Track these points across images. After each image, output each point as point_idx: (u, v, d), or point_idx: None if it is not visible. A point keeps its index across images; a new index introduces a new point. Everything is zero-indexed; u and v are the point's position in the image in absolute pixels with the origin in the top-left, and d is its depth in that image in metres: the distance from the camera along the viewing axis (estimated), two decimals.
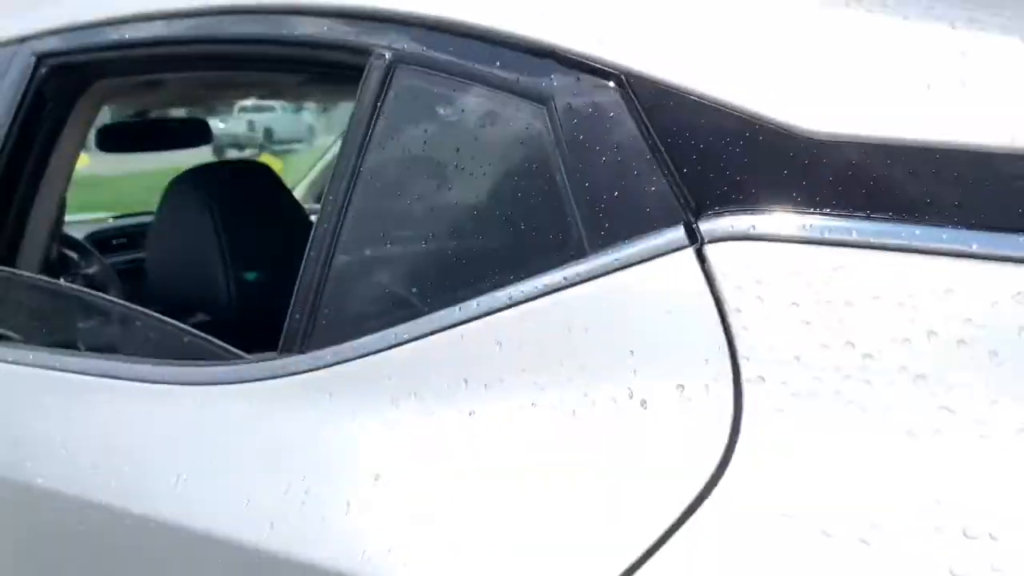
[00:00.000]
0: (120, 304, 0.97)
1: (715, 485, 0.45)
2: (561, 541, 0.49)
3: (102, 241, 2.16)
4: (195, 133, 2.09)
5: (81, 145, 1.25)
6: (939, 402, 0.43)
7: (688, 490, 0.45)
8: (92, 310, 0.98)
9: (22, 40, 1.12)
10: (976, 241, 0.44)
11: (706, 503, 0.45)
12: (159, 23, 0.94)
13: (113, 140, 1.90)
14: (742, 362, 0.47)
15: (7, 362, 0.92)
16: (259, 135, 17.56)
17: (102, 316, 0.95)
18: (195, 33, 0.88)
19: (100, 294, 1.10)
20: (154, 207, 1.34)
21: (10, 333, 0.97)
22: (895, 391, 0.44)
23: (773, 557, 0.43)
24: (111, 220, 2.52)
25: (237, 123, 19.49)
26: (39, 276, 1.06)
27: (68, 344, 0.92)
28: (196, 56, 0.97)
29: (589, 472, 0.50)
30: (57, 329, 0.97)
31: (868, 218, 0.47)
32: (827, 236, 0.47)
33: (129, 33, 1.00)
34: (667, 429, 0.48)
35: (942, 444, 0.42)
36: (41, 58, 1.08)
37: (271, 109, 16.41)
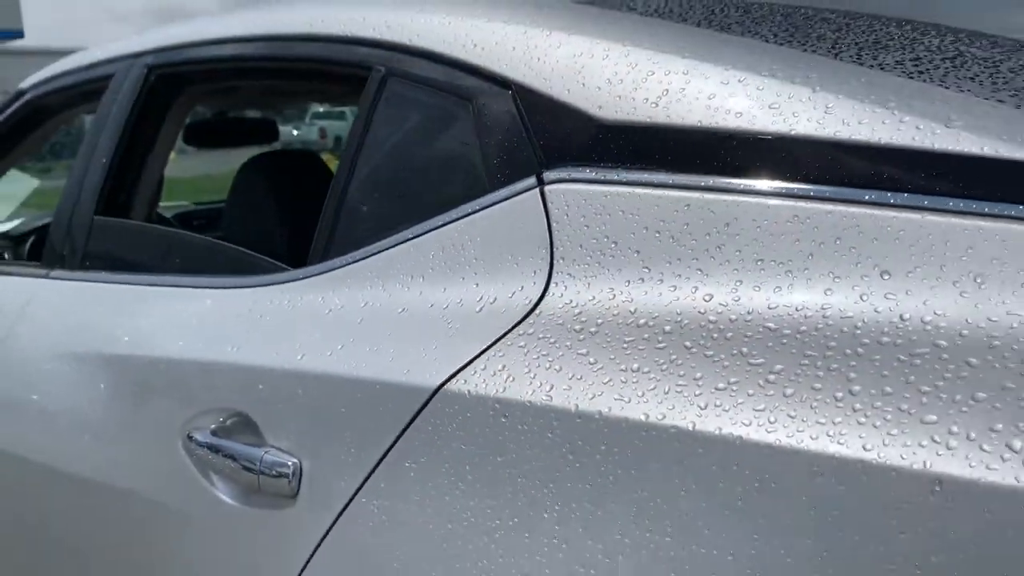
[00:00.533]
0: (208, 239, 1.35)
1: (535, 310, 0.79)
2: (424, 343, 0.84)
3: (184, 221, 2.60)
4: (265, 132, 2.50)
5: (177, 134, 1.66)
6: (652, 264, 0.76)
7: (519, 311, 0.80)
8: (187, 244, 1.37)
9: (137, 55, 1.53)
10: (704, 181, 0.77)
11: (530, 318, 0.79)
12: (230, 45, 1.33)
13: (197, 136, 2.30)
14: (556, 248, 0.81)
15: (123, 283, 1.31)
16: (329, 141, 18.33)
17: (193, 248, 1.34)
18: (252, 52, 1.27)
19: (194, 233, 1.50)
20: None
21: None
22: (639, 267, 0.77)
23: (571, 350, 0.77)
24: (192, 205, 2.96)
25: (310, 130, 20.34)
26: (149, 224, 1.46)
27: (165, 267, 1.31)
28: (254, 69, 1.36)
29: (459, 304, 0.85)
30: (159, 257, 1.36)
31: (634, 169, 0.80)
32: (611, 179, 0.81)
33: (210, 52, 1.39)
34: (509, 283, 0.83)
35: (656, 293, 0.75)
36: (150, 68, 1.48)
37: (342, 117, 17.14)
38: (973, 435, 0.57)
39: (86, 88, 1.70)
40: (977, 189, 0.65)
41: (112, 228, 1.43)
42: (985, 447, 0.57)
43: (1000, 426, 0.57)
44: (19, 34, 33.99)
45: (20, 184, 2.49)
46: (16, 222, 2.60)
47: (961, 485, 0.56)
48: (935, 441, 0.58)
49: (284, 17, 1.27)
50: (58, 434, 1.27)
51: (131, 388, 1.16)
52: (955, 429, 0.58)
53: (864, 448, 0.60)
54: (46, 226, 2.41)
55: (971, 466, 0.56)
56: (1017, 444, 0.56)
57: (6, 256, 2.17)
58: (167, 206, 2.71)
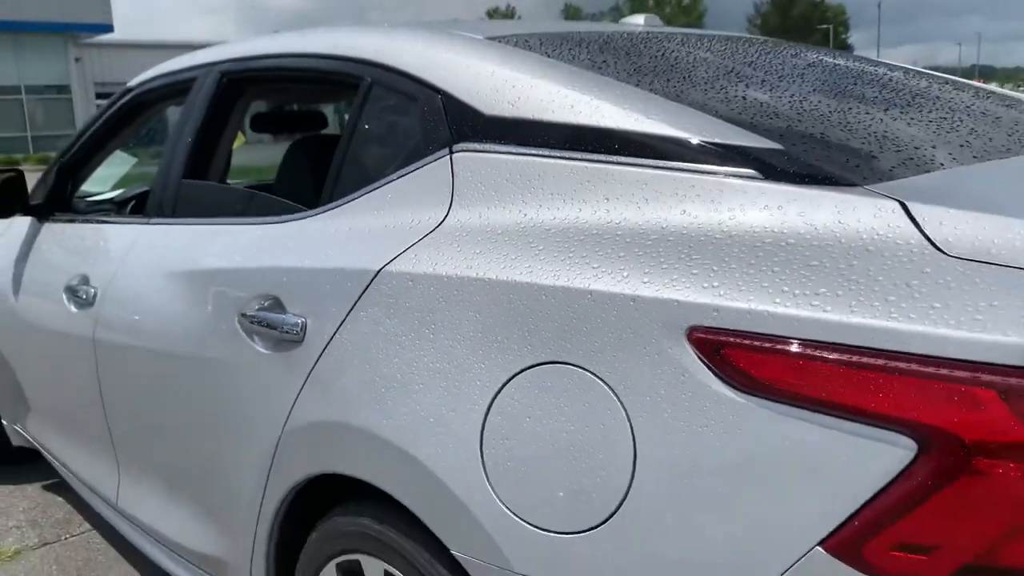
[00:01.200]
0: (258, 193, 1.93)
1: (440, 225, 1.34)
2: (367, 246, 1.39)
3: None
4: (316, 121, 3.08)
5: (241, 122, 2.25)
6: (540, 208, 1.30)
7: (432, 224, 1.34)
8: (244, 197, 1.95)
9: (214, 64, 2.12)
10: (539, 151, 1.30)
11: (437, 229, 1.33)
12: (278, 59, 1.91)
13: (260, 124, 2.89)
14: (455, 190, 1.35)
15: (202, 224, 1.90)
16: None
17: (248, 199, 1.92)
18: (293, 64, 1.85)
19: (247, 189, 2.09)
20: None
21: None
22: (501, 199, 1.31)
23: (459, 246, 1.30)
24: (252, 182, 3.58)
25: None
26: (221, 184, 2.05)
27: (230, 212, 1.89)
28: (294, 76, 1.93)
29: (400, 223, 1.40)
30: (226, 206, 1.94)
31: (503, 143, 1.34)
32: (489, 149, 1.35)
33: (265, 63, 1.98)
34: (428, 211, 1.37)
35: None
36: (223, 74, 2.07)
37: None
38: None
39: (176, 87, 2.31)
40: (661, 154, 1.17)
41: (195, 187, 2.03)
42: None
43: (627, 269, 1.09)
44: (109, 28, 35.82)
45: (123, 161, 3.13)
46: (118, 192, 3.25)
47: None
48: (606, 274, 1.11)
49: (313, 41, 1.85)
50: (158, 323, 1.87)
51: (205, 289, 1.75)
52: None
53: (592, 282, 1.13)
54: (140, 193, 3.06)
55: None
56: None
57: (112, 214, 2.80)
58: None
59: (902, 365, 0.83)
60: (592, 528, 1.01)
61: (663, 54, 1.58)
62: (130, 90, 2.52)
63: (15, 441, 3.09)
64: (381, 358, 1.30)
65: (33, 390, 2.75)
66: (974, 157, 1.24)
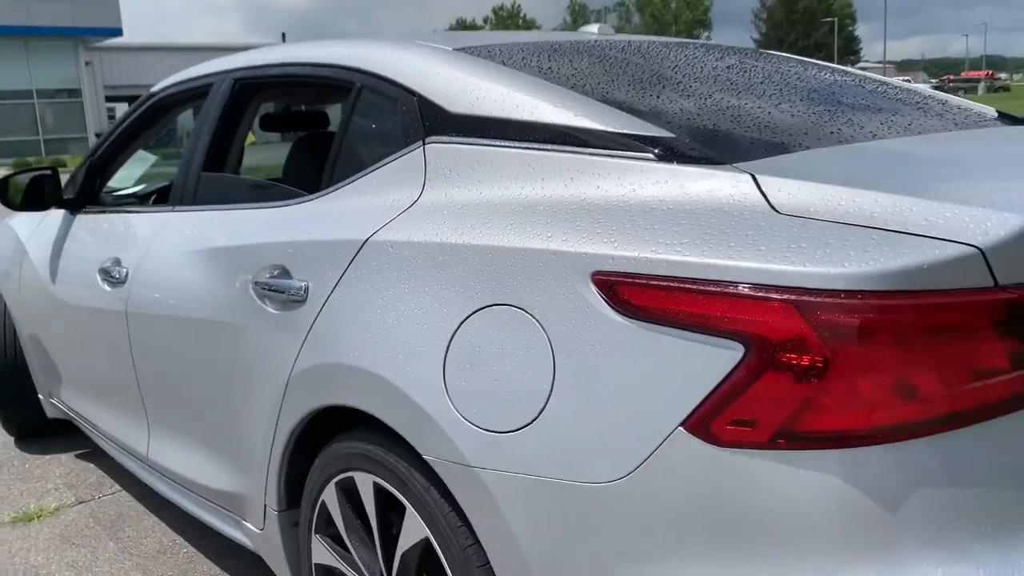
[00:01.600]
0: (268, 182, 2.25)
1: (415, 203, 1.65)
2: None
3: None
4: (318, 120, 3.40)
5: (252, 122, 2.57)
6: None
7: (408, 203, 1.66)
8: (255, 185, 2.27)
9: (228, 72, 2.44)
10: (491, 142, 1.61)
11: (412, 206, 1.65)
12: (284, 67, 2.23)
13: (268, 124, 3.21)
14: (427, 174, 1.67)
15: (220, 209, 2.22)
16: None
17: (259, 188, 2.23)
18: (296, 72, 2.18)
19: (258, 179, 2.42)
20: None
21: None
22: (461, 181, 1.62)
23: (430, 219, 1.62)
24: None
25: None
26: (235, 175, 2.38)
27: (244, 199, 2.21)
28: (297, 81, 2.25)
29: (381, 203, 1.71)
30: (241, 194, 2.26)
31: (465, 136, 1.65)
32: (455, 141, 1.66)
33: (272, 70, 2.29)
34: (405, 192, 1.69)
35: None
36: (236, 80, 2.39)
37: None
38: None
39: (195, 92, 2.63)
40: (587, 143, 1.48)
41: (213, 179, 2.35)
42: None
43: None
44: (118, 32, 36.30)
45: (145, 160, 3.46)
46: (141, 187, 3.58)
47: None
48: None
49: (313, 52, 2.17)
50: (183, 294, 2.19)
51: (224, 263, 2.07)
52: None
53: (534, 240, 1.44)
54: (162, 187, 3.38)
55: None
56: None
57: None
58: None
59: (732, 290, 1.14)
60: (525, 426, 1.32)
61: (601, 60, 1.89)
62: (153, 95, 2.85)
63: (50, 413, 3.43)
64: (367, 309, 1.62)
65: (67, 364, 3.08)
66: (839, 141, 1.55)
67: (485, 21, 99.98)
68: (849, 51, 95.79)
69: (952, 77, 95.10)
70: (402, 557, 1.61)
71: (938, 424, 1.08)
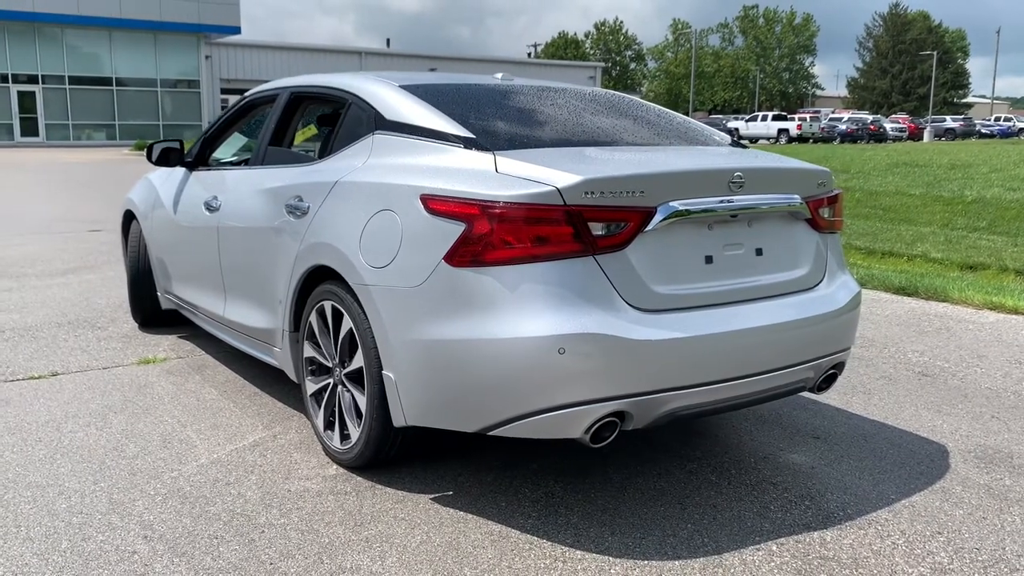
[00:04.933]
0: (298, 152, 3.87)
1: (364, 163, 3.22)
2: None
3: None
4: (332, 119, 5.02)
5: (300, 119, 4.20)
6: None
7: (360, 163, 3.24)
8: (292, 154, 3.89)
9: (286, 87, 4.10)
10: (407, 135, 3.17)
11: (362, 165, 3.22)
12: (315, 87, 3.87)
13: (320, 121, 4.82)
14: (372, 149, 3.24)
15: (276, 167, 3.85)
16: None
17: (293, 155, 3.85)
18: (319, 90, 3.81)
19: (293, 150, 4.05)
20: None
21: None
22: (387, 155, 3.18)
23: (372, 171, 3.18)
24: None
25: None
26: (283, 148, 4.02)
27: (289, 161, 3.82)
28: (320, 96, 3.88)
29: (349, 166, 3.29)
30: (287, 159, 3.88)
31: (394, 132, 3.21)
32: (390, 134, 3.23)
33: (308, 89, 3.93)
34: (359, 159, 3.26)
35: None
36: (291, 92, 4.04)
37: None
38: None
39: (269, 97, 4.28)
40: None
41: (273, 150, 3.99)
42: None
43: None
44: (236, 30, 39.39)
45: (239, 139, 5.15)
46: (234, 157, 5.27)
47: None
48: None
49: (326, 79, 3.78)
50: (249, 213, 3.83)
51: (272, 194, 3.69)
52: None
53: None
54: (245, 159, 5.07)
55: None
56: None
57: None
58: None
59: (463, 200, 2.67)
60: (388, 264, 2.87)
61: (474, 94, 3.43)
62: (246, 97, 4.53)
63: (164, 305, 5.15)
64: (333, 215, 3.20)
65: (178, 266, 4.77)
66: (570, 144, 3.06)
67: (586, 36, 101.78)
68: (957, 85, 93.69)
69: None
70: (340, 341, 3.18)
71: (527, 260, 2.59)
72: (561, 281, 2.59)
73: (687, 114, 52.72)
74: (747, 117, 54.52)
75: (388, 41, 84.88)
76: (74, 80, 36.90)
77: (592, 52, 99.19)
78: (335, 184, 3.26)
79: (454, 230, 2.68)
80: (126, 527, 2.76)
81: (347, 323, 3.10)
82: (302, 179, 3.52)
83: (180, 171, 4.85)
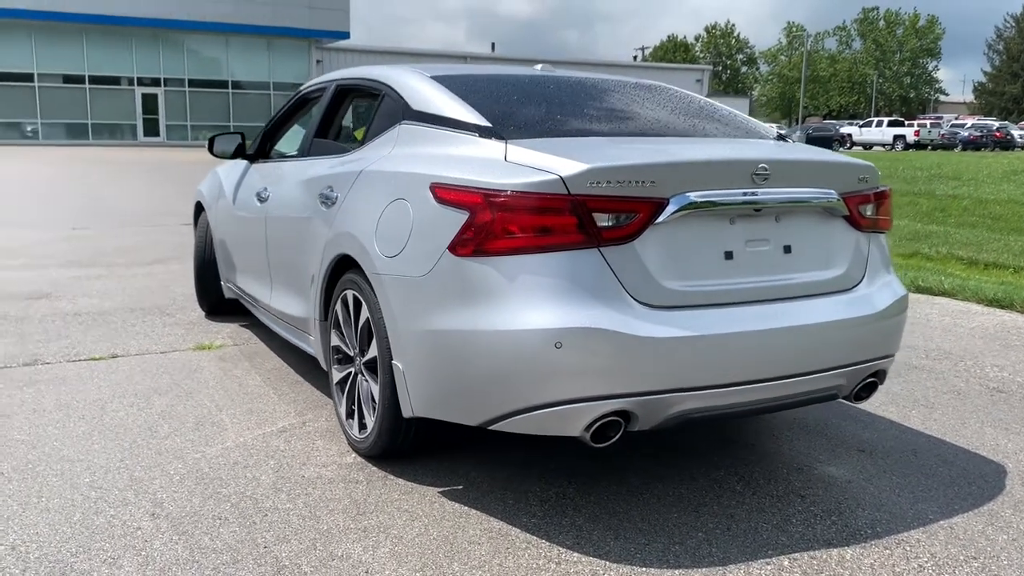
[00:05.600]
0: (336, 143, 3.91)
1: (390, 152, 3.22)
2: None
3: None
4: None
5: (347, 112, 4.24)
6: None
7: (388, 150, 3.23)
8: (330, 145, 3.93)
9: (333, 80, 4.14)
10: (433, 126, 3.15)
11: (389, 153, 3.22)
12: (355, 79, 3.89)
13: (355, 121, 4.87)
14: (398, 140, 3.22)
15: (317, 159, 3.89)
16: None
17: (332, 147, 3.88)
18: (358, 82, 3.83)
19: (333, 142, 4.08)
20: None
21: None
22: (411, 146, 3.16)
23: (396, 158, 3.18)
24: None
25: None
26: (326, 139, 4.06)
27: (328, 152, 3.86)
28: (360, 86, 3.89)
29: (379, 154, 3.28)
30: (327, 150, 3.92)
31: (421, 122, 3.19)
32: (416, 124, 3.22)
33: (350, 81, 3.95)
34: (386, 149, 3.26)
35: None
36: (337, 85, 4.08)
37: None
38: None
39: (318, 91, 4.34)
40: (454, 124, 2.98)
41: (317, 142, 4.04)
42: None
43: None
44: (346, 35, 40.52)
45: (299, 132, 5.25)
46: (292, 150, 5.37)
47: None
48: None
49: (365, 71, 3.79)
50: (291, 202, 3.88)
51: (309, 185, 3.73)
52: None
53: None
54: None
55: None
56: None
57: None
58: None
59: (468, 188, 2.62)
60: (398, 254, 2.84)
61: (503, 85, 3.36)
62: (299, 92, 4.60)
63: (226, 294, 5.29)
64: (356, 205, 3.20)
65: (236, 255, 4.89)
66: (582, 135, 2.97)
67: (696, 39, 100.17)
68: None
69: None
70: (360, 330, 3.18)
71: (529, 250, 2.51)
72: (562, 273, 2.51)
73: (799, 120, 51.08)
74: (861, 123, 52.48)
75: (493, 45, 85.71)
76: (193, 83, 38.74)
77: (702, 56, 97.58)
78: (360, 174, 3.27)
79: (459, 218, 2.63)
80: (138, 503, 2.83)
81: (365, 312, 3.09)
82: (335, 169, 3.54)
83: (243, 163, 4.97)
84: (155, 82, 38.30)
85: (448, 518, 2.76)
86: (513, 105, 3.16)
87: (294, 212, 3.84)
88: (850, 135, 48.84)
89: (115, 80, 37.61)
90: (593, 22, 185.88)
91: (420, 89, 3.31)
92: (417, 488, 2.99)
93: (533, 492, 2.97)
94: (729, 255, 2.70)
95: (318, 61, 40.95)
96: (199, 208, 5.65)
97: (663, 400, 2.55)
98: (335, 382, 3.45)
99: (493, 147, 2.77)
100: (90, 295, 6.28)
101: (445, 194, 2.70)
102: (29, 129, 36.69)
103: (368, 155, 3.35)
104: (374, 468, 3.14)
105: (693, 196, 2.59)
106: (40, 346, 4.80)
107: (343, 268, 3.35)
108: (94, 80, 37.14)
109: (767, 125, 3.55)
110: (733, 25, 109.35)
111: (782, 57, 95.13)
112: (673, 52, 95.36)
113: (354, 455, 3.26)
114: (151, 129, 38.23)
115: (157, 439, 3.42)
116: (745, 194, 2.68)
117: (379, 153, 3.29)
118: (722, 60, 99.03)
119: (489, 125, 2.90)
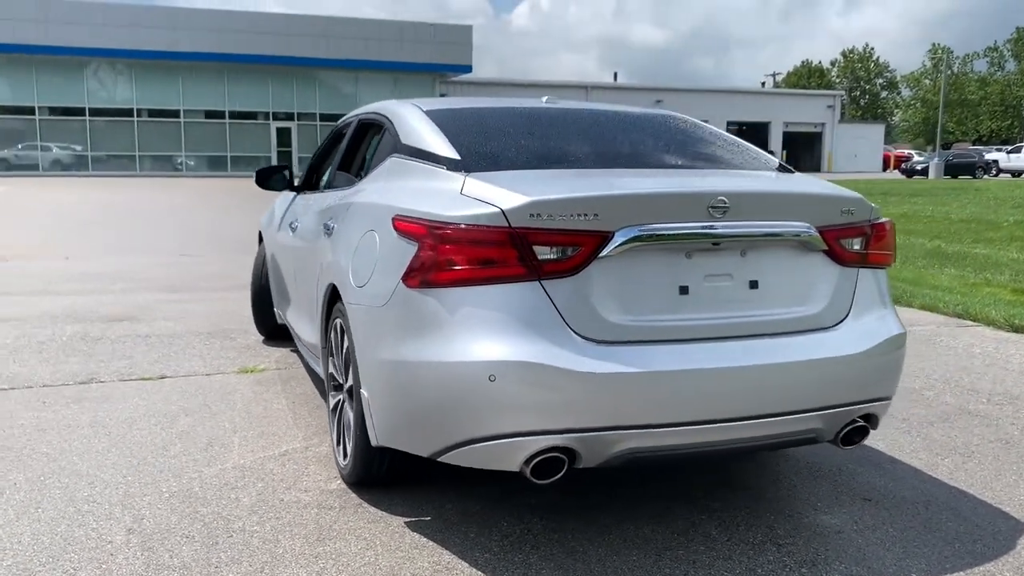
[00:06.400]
0: (349, 176, 4.03)
1: (376, 187, 3.29)
2: None
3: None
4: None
5: (369, 143, 4.35)
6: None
7: (374, 187, 3.30)
8: (346, 177, 4.05)
9: (358, 115, 4.28)
10: (419, 160, 3.20)
11: (374, 187, 3.29)
12: (368, 113, 4.00)
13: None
14: (387, 174, 3.30)
15: (344, 189, 4.02)
16: None
17: (348, 179, 4.00)
18: (371, 116, 3.94)
19: (348, 174, 4.20)
20: None
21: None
22: (408, 174, 3.22)
23: (395, 174, 3.25)
24: None
25: None
26: (345, 172, 4.19)
27: (345, 185, 3.98)
28: (373, 120, 4.00)
29: (378, 184, 3.36)
30: (347, 183, 4.04)
31: (407, 156, 3.26)
32: (404, 157, 3.28)
33: (368, 117, 4.06)
34: (378, 184, 3.33)
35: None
36: (359, 119, 4.21)
37: None
38: None
39: (346, 125, 4.48)
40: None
41: (336, 174, 4.17)
42: None
43: None
44: (468, 69, 41.54)
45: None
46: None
47: None
48: None
49: (376, 106, 3.89)
50: (308, 231, 4.02)
51: (318, 216, 3.85)
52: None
53: None
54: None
55: None
56: None
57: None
58: None
59: (418, 220, 2.64)
60: (365, 284, 2.89)
61: (496, 120, 3.38)
62: (336, 127, 4.77)
63: (279, 320, 5.51)
64: (340, 234, 3.28)
65: (278, 284, 5.09)
66: (578, 165, 2.94)
67: (832, 64, 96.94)
68: None
69: None
70: (344, 356, 3.25)
71: (471, 282, 2.51)
72: (501, 306, 2.49)
73: (940, 146, 48.32)
74: (1010, 148, 49.29)
75: (615, 75, 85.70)
76: (324, 117, 40.58)
77: (838, 80, 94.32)
78: (351, 206, 3.35)
79: (410, 250, 2.66)
80: (121, 519, 2.97)
81: (347, 340, 3.16)
82: (337, 201, 3.64)
83: (291, 195, 5.18)
84: (288, 116, 40.37)
85: (403, 548, 2.77)
86: (490, 138, 3.17)
87: (307, 242, 3.97)
88: (995, 161, 45.97)
89: (252, 115, 39.92)
90: (729, 48, 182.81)
91: (410, 123, 3.37)
92: (385, 517, 3.01)
93: (498, 527, 2.93)
94: (684, 290, 2.61)
95: (442, 94, 42.14)
96: (260, 238, 5.91)
97: (604, 437, 2.48)
98: (329, 408, 3.52)
99: (454, 180, 2.79)
100: (168, 318, 6.66)
101: (402, 225, 2.74)
102: (178, 162, 39.41)
103: (364, 187, 3.44)
104: (353, 495, 3.19)
105: (639, 230, 2.52)
106: (101, 365, 5.13)
107: (335, 297, 3.43)
108: (233, 115, 39.54)
109: (768, 155, 3.40)
110: (872, 49, 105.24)
111: (926, 81, 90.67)
112: (808, 78, 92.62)
113: (339, 482, 3.32)
114: (284, 161, 40.27)
115: (166, 457, 3.58)
116: (702, 227, 2.59)
117: (372, 185, 3.36)
118: (860, 85, 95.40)
119: (458, 158, 2.93)
